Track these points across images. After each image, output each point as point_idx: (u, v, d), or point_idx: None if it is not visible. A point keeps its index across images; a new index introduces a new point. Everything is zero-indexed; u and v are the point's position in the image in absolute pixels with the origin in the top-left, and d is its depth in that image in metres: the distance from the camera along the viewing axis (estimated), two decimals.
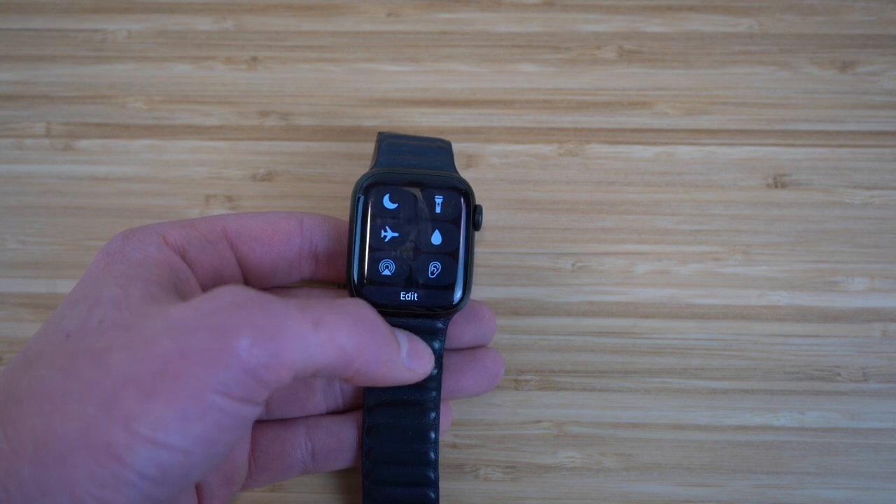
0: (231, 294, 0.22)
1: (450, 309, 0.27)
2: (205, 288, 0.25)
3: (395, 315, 0.27)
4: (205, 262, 0.26)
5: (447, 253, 0.27)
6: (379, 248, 0.27)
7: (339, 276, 0.28)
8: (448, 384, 0.28)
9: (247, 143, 0.33)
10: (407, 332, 0.26)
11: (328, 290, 0.29)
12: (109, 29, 0.35)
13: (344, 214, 0.28)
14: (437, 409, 0.28)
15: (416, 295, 0.27)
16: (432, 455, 0.28)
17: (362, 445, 0.28)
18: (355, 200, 0.27)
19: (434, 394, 0.28)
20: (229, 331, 0.20)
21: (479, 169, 0.33)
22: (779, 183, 0.33)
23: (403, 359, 0.25)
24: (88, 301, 0.23)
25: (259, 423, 0.28)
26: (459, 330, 0.29)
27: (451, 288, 0.27)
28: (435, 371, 0.28)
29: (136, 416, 0.20)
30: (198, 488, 0.26)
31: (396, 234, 0.27)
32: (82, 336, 0.22)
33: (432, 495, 0.28)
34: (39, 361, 0.21)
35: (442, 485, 0.30)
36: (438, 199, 0.27)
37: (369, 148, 0.33)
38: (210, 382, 0.20)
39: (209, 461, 0.21)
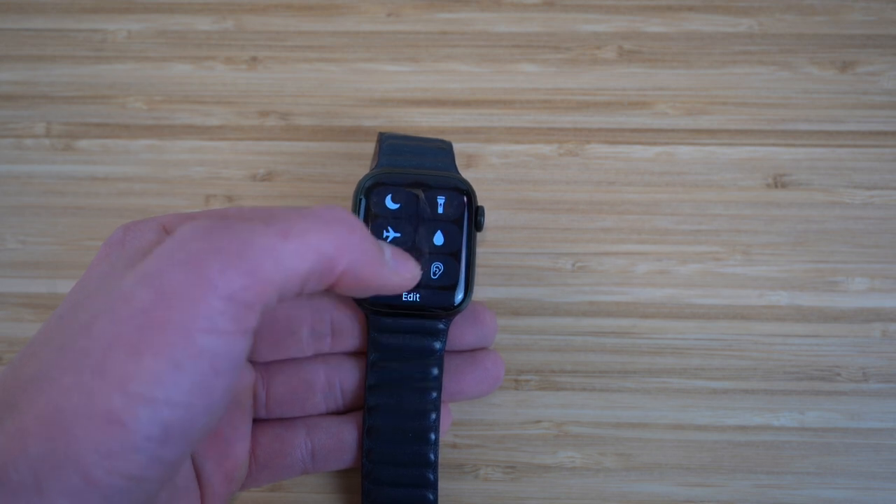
0: (192, 227, 0.21)
1: (451, 310, 0.27)
2: None
3: (397, 316, 0.27)
4: None
5: (449, 254, 0.27)
6: None
7: None
8: (448, 386, 0.28)
9: (247, 143, 0.33)
10: (386, 243, 0.25)
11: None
12: (109, 29, 0.35)
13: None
14: (437, 410, 0.28)
15: (417, 296, 0.27)
16: (432, 456, 0.28)
17: (362, 446, 0.28)
18: (357, 201, 0.27)
19: (434, 395, 0.28)
20: (199, 263, 0.20)
21: (479, 169, 0.33)
22: (779, 183, 0.33)
23: (388, 260, 0.24)
24: (83, 283, 0.23)
25: (259, 422, 0.28)
26: (460, 332, 0.29)
27: (453, 289, 0.27)
28: (435, 372, 0.28)
29: (129, 375, 0.19)
30: (200, 486, 0.26)
31: (398, 235, 0.27)
32: (73, 313, 0.21)
33: (431, 497, 0.28)
34: (41, 346, 0.21)
35: (442, 485, 0.30)
36: (440, 200, 0.27)
37: (369, 148, 0.33)
38: (194, 322, 0.19)
39: (210, 412, 0.20)
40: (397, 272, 0.24)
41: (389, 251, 0.24)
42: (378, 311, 0.27)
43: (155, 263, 0.20)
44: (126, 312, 0.20)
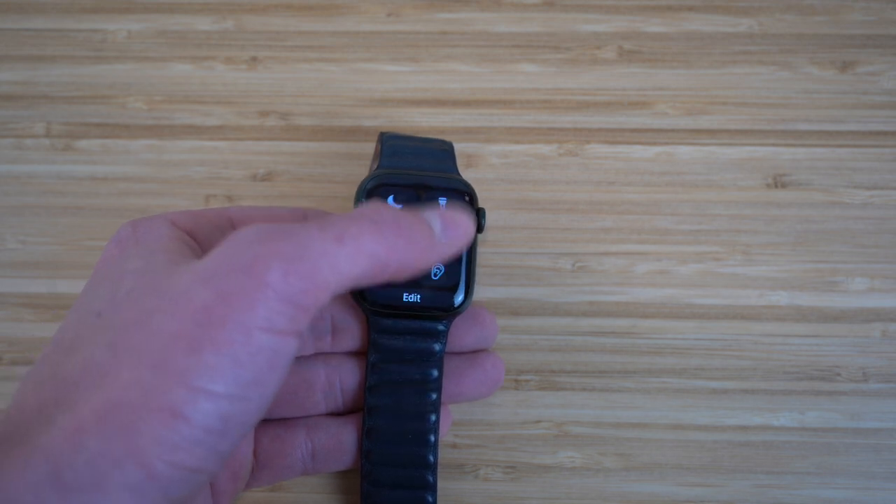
0: (251, 232, 0.21)
1: (451, 311, 0.27)
2: None
3: (397, 317, 0.27)
4: (212, 246, 0.26)
5: None
6: None
7: None
8: (448, 388, 0.28)
9: (247, 143, 0.33)
10: (435, 207, 0.25)
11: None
12: (109, 29, 0.35)
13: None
14: (436, 412, 0.28)
15: (418, 296, 0.27)
16: (431, 458, 0.28)
17: (362, 447, 0.28)
18: (358, 203, 0.27)
19: (434, 397, 0.28)
20: (259, 266, 0.20)
21: (479, 169, 0.33)
22: (779, 183, 0.33)
23: (439, 235, 0.24)
24: (112, 279, 0.23)
25: (260, 422, 0.28)
26: (460, 333, 0.29)
27: (453, 290, 0.27)
28: (435, 373, 0.28)
29: (191, 370, 0.20)
30: (210, 484, 0.26)
31: None
32: (115, 310, 0.22)
33: (430, 499, 0.28)
34: (80, 343, 0.21)
35: (442, 485, 0.30)
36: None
37: (369, 148, 0.33)
38: (253, 321, 0.20)
39: (263, 405, 0.21)
40: (451, 242, 0.24)
41: (439, 223, 0.24)
42: (378, 312, 0.27)
43: (214, 264, 0.21)
44: (186, 310, 0.20)
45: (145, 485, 0.19)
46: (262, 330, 0.20)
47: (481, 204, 0.32)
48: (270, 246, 0.21)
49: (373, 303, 0.27)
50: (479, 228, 0.27)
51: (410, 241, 0.23)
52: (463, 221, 0.25)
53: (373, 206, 0.23)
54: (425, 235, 0.23)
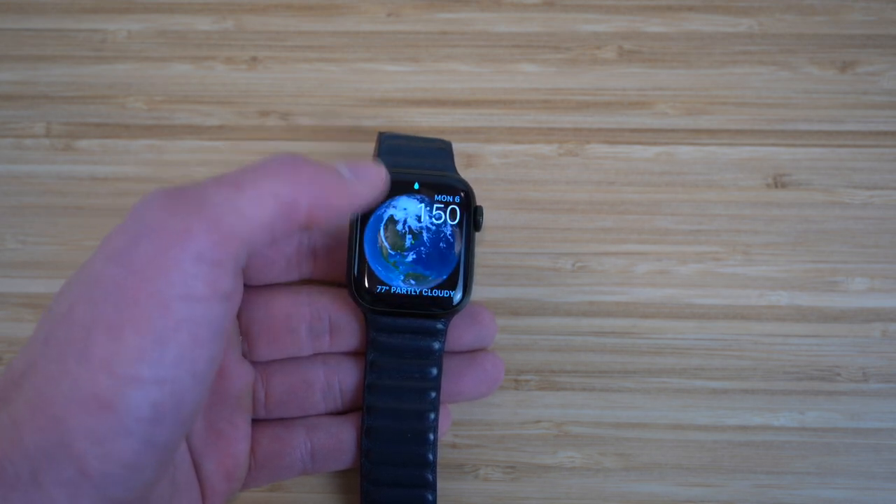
0: (148, 199, 0.21)
1: (450, 309, 0.27)
2: None
3: (396, 315, 0.27)
4: None
5: None
6: None
7: (338, 274, 0.28)
8: (447, 387, 0.28)
9: (247, 143, 0.33)
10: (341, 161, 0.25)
11: (328, 288, 0.29)
12: (109, 29, 0.35)
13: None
14: (435, 411, 0.28)
15: (417, 289, 0.27)
16: (430, 457, 0.28)
17: (361, 446, 0.28)
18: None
19: (433, 395, 0.28)
20: (161, 230, 0.20)
21: (479, 169, 0.33)
22: (779, 183, 0.33)
23: (347, 175, 0.23)
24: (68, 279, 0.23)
25: (259, 422, 0.28)
26: (459, 333, 0.29)
27: (452, 288, 0.27)
28: (434, 372, 0.28)
29: (113, 356, 0.19)
30: (200, 483, 0.26)
31: None
32: (56, 305, 0.21)
33: (430, 497, 0.28)
34: (33, 343, 0.21)
35: (442, 485, 0.30)
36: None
37: (369, 148, 0.33)
38: (169, 290, 0.19)
39: (198, 386, 0.20)
40: (362, 181, 0.24)
41: (346, 167, 0.24)
42: (377, 310, 0.27)
43: (118, 240, 0.20)
44: (101, 294, 0.20)
45: (80, 481, 0.19)
46: (180, 299, 0.19)
47: (481, 204, 0.32)
48: (169, 208, 0.20)
49: (371, 301, 0.27)
50: (477, 227, 0.27)
51: (315, 180, 0.22)
52: (371, 165, 0.24)
53: (272, 156, 0.22)
54: (330, 173, 0.23)
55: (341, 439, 0.28)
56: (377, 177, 0.25)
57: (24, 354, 0.21)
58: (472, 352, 0.29)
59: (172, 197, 0.21)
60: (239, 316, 0.28)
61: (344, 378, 0.28)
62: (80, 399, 0.19)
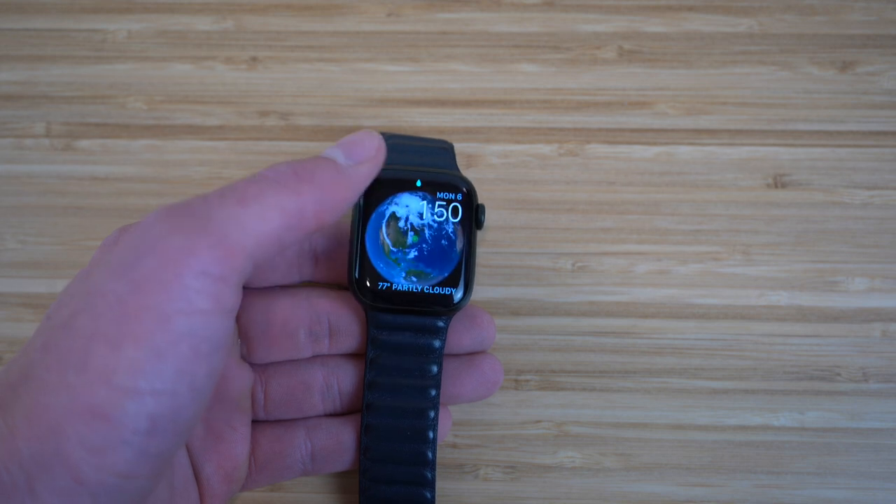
0: (154, 214, 0.21)
1: (451, 307, 0.27)
2: None
3: (396, 313, 0.27)
4: None
5: None
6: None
7: (339, 277, 0.28)
8: (446, 390, 0.28)
9: (247, 143, 0.33)
10: (335, 144, 0.25)
11: (328, 291, 0.29)
12: (109, 29, 0.35)
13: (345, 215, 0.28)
14: (435, 408, 0.28)
15: (418, 286, 0.27)
16: (430, 455, 0.28)
17: (360, 444, 0.28)
18: (357, 200, 0.27)
19: (433, 393, 0.28)
20: (166, 245, 0.20)
21: (479, 169, 0.33)
22: (779, 183, 0.33)
23: (344, 164, 0.23)
24: (69, 285, 0.23)
25: (258, 423, 0.28)
26: (458, 335, 0.29)
27: (453, 286, 0.27)
28: (434, 369, 0.28)
29: (112, 368, 0.19)
30: (199, 485, 0.26)
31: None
32: (56, 313, 0.21)
33: (428, 495, 0.28)
34: (29, 349, 0.21)
35: (442, 484, 0.30)
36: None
37: None
38: (171, 304, 0.19)
39: (196, 399, 0.20)
40: (360, 162, 0.24)
41: (340, 151, 0.24)
42: (378, 307, 0.27)
43: (123, 254, 0.20)
44: (103, 306, 0.20)
45: (75, 490, 0.19)
46: (182, 313, 0.19)
47: (481, 202, 0.32)
48: (174, 223, 0.20)
49: (372, 298, 0.27)
50: (479, 225, 0.27)
51: (315, 182, 0.22)
52: (364, 137, 0.24)
53: (270, 167, 0.22)
54: (329, 169, 0.23)
55: (341, 440, 0.28)
56: (374, 149, 0.24)
57: (22, 359, 0.21)
58: (471, 354, 0.29)
59: (177, 213, 0.21)
60: (238, 319, 0.28)
61: (343, 379, 0.28)
62: (78, 409, 0.19)
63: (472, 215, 0.27)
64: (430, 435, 0.28)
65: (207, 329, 0.20)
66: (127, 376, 0.19)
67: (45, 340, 0.20)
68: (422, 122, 0.33)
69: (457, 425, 0.31)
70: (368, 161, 0.24)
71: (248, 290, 0.28)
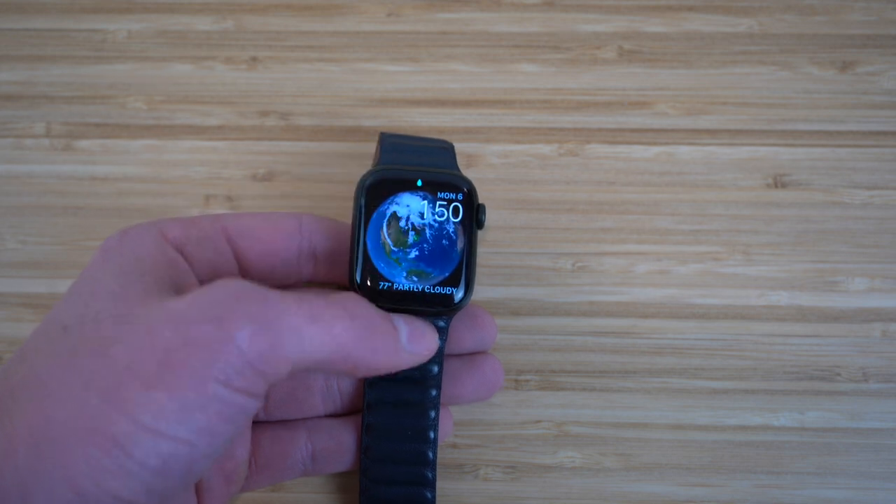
0: (230, 285, 0.22)
1: (452, 307, 0.27)
2: (203, 284, 0.25)
3: (398, 311, 0.27)
4: (203, 259, 0.26)
5: None
6: None
7: (338, 277, 0.28)
8: (446, 390, 0.28)
9: (247, 143, 0.33)
10: (406, 316, 0.26)
11: (327, 291, 0.29)
12: (109, 29, 0.35)
13: (344, 214, 0.28)
14: (436, 408, 0.28)
15: (419, 286, 0.27)
16: (430, 455, 0.28)
17: (361, 443, 0.28)
18: (358, 198, 0.27)
19: (434, 392, 0.28)
20: (230, 321, 0.21)
21: (479, 169, 0.33)
22: (779, 183, 0.33)
23: (404, 345, 0.25)
24: (84, 295, 0.23)
25: (259, 424, 0.28)
26: (459, 336, 0.29)
27: (454, 286, 0.27)
28: (435, 369, 0.28)
29: (139, 405, 0.20)
30: (198, 487, 0.26)
31: None
32: (80, 328, 0.21)
33: (429, 495, 0.28)
34: (35, 354, 0.21)
35: (442, 484, 0.30)
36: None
37: (369, 148, 0.33)
38: (211, 372, 0.20)
39: (211, 454, 0.21)
40: (412, 353, 0.25)
41: (406, 333, 0.25)
42: (379, 306, 0.27)
43: (187, 309, 0.21)
44: (148, 347, 0.20)
45: (73, 500, 0.19)
46: (218, 382, 0.20)
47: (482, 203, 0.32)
48: (246, 306, 0.21)
49: (373, 299, 0.27)
50: (479, 225, 0.27)
51: (376, 342, 0.23)
52: (428, 336, 0.26)
53: (353, 298, 0.24)
54: (391, 340, 0.24)
55: (342, 441, 0.28)
56: (428, 349, 0.26)
57: (24, 362, 0.21)
58: (472, 355, 0.29)
59: (253, 298, 0.21)
60: None
61: (343, 380, 0.28)
62: (94, 432, 0.19)
63: (473, 215, 0.27)
64: (431, 435, 0.28)
65: (237, 401, 0.21)
66: (151, 417, 0.20)
67: (66, 356, 0.21)
68: (422, 122, 0.33)
69: (457, 425, 0.31)
70: (419, 355, 0.25)
71: None
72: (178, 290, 0.24)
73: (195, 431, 0.20)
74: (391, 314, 0.25)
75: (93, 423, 0.19)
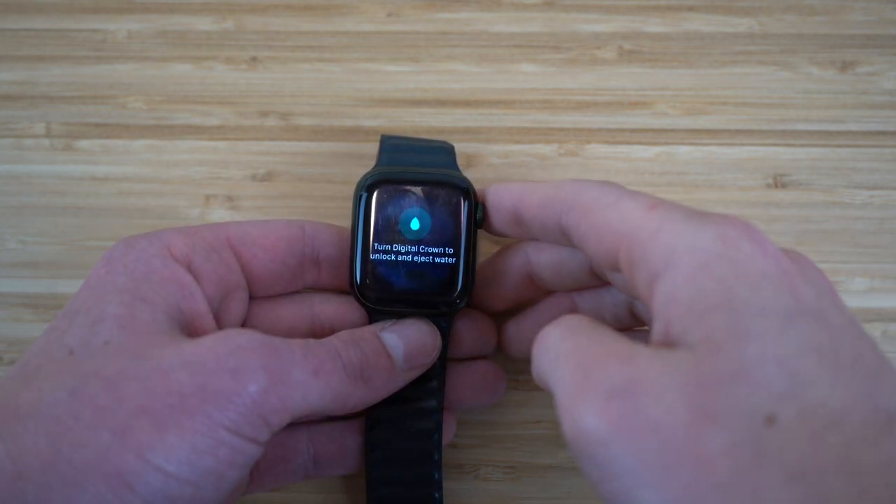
0: (244, 338, 0.23)
1: (453, 307, 0.27)
2: (210, 299, 0.26)
3: (398, 313, 0.27)
4: (210, 272, 0.26)
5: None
6: None
7: (341, 283, 0.28)
8: (448, 394, 0.28)
9: (247, 143, 0.33)
10: (400, 328, 0.26)
11: (332, 296, 0.29)
12: (109, 29, 0.35)
13: (344, 215, 0.28)
14: (440, 407, 0.28)
15: (418, 286, 0.27)
16: (436, 455, 0.28)
17: (365, 449, 0.28)
18: (358, 199, 0.27)
19: (438, 392, 0.28)
20: (244, 374, 0.22)
21: (479, 169, 0.33)
22: (779, 183, 0.33)
23: (401, 366, 0.26)
24: (91, 315, 0.23)
25: None
26: (460, 339, 0.29)
27: (455, 286, 0.27)
28: (438, 370, 0.28)
29: (150, 445, 0.20)
30: None
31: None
32: (88, 355, 0.22)
33: (436, 495, 0.28)
34: (40, 376, 0.22)
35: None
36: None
37: (369, 148, 0.33)
38: (223, 420, 0.21)
39: (217, 497, 0.22)
40: (412, 369, 0.26)
41: (402, 352, 0.26)
42: (379, 309, 0.27)
43: (203, 357, 0.22)
44: (162, 389, 0.21)
45: None
46: (228, 430, 0.21)
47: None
48: (259, 359, 0.22)
49: (375, 300, 0.27)
50: (479, 224, 0.27)
51: (370, 385, 0.25)
52: (427, 345, 0.26)
53: (347, 339, 0.25)
54: (385, 372, 0.25)
55: (344, 444, 0.28)
56: (432, 358, 0.27)
57: (31, 385, 0.21)
58: (474, 359, 0.29)
59: (266, 352, 0.23)
60: (243, 326, 0.28)
61: None
62: (103, 469, 0.20)
63: (473, 215, 0.27)
64: (436, 435, 0.28)
65: (244, 447, 0.22)
66: (160, 456, 0.20)
67: (75, 385, 0.21)
68: (422, 122, 0.33)
69: (457, 425, 0.31)
70: (419, 371, 0.27)
71: (253, 299, 0.28)
72: (185, 316, 0.24)
73: (202, 474, 0.21)
74: (385, 332, 0.26)
75: (103, 461, 0.20)
